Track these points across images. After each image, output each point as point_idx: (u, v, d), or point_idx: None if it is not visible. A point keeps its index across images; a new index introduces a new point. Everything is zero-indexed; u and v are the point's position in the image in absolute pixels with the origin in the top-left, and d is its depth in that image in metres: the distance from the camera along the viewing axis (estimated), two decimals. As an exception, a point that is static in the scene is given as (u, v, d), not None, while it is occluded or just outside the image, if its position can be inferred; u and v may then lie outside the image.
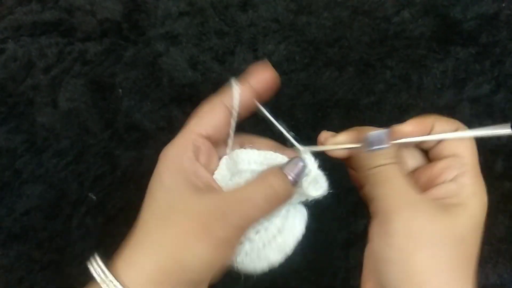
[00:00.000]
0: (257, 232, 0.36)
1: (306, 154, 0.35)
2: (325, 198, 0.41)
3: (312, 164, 0.35)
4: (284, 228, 0.37)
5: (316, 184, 0.35)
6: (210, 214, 0.31)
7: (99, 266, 0.31)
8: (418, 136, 0.33)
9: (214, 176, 0.36)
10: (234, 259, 0.35)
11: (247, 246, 0.35)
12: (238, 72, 0.50)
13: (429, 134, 0.33)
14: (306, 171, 0.35)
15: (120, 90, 0.50)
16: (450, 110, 0.48)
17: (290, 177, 0.33)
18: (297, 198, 0.37)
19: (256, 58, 0.50)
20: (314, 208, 0.41)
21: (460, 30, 0.48)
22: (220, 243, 0.30)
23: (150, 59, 0.50)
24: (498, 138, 0.47)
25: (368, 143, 0.33)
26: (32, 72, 0.50)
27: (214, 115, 0.35)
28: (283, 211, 0.38)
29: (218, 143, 0.36)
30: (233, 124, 0.35)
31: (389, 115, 0.48)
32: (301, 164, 0.34)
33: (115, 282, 0.30)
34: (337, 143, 0.35)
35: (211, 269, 0.31)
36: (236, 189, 0.34)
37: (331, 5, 0.49)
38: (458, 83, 0.48)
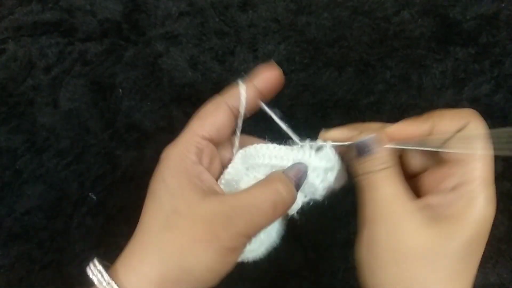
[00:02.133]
0: None
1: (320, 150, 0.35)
2: (325, 197, 0.41)
3: (336, 159, 0.35)
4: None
5: (338, 178, 0.36)
6: (216, 220, 0.30)
7: (100, 272, 0.30)
8: (414, 136, 0.31)
9: (227, 170, 0.35)
10: None
11: None
12: (238, 72, 0.51)
13: (430, 133, 0.31)
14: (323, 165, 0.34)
15: (121, 90, 0.50)
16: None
17: (293, 182, 0.33)
18: (320, 192, 0.36)
19: (256, 58, 0.50)
20: (314, 208, 0.41)
21: (459, 30, 0.48)
22: (226, 251, 0.30)
23: (150, 59, 0.50)
24: (498, 137, 0.47)
25: (357, 151, 0.32)
26: (33, 72, 0.51)
27: (217, 116, 0.34)
28: None
29: (219, 144, 0.35)
30: (240, 124, 0.34)
31: (389, 115, 0.48)
32: (303, 168, 0.34)
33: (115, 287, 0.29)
34: (330, 138, 0.35)
35: (216, 276, 0.30)
36: (241, 193, 0.32)
37: (331, 5, 0.49)
38: (457, 83, 0.48)
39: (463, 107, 0.48)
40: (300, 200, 0.36)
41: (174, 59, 0.50)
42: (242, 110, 0.34)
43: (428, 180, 0.32)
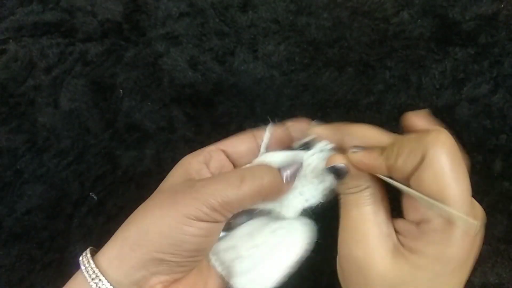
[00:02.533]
0: (254, 247, 0.35)
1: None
2: (328, 199, 0.40)
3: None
4: (283, 243, 0.35)
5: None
6: (181, 190, 0.31)
7: (86, 253, 0.32)
8: (377, 171, 0.30)
9: None
10: (233, 280, 0.34)
11: (244, 264, 0.34)
12: (238, 72, 0.51)
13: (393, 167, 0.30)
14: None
15: (121, 91, 0.50)
16: (448, 110, 0.48)
17: (285, 173, 0.33)
18: (327, 196, 0.36)
19: (256, 59, 0.50)
20: (315, 207, 0.41)
21: (459, 31, 0.48)
22: (186, 220, 0.29)
23: (151, 59, 0.50)
24: (497, 137, 0.47)
25: (331, 173, 0.33)
26: (33, 73, 0.51)
27: (239, 139, 0.37)
28: (284, 224, 0.37)
29: (237, 165, 0.37)
30: (261, 150, 0.37)
31: (388, 115, 0.48)
32: (295, 165, 0.34)
33: (88, 255, 0.31)
34: (315, 134, 0.35)
35: (172, 244, 0.29)
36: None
37: (330, 6, 0.49)
38: (456, 84, 0.48)
39: (462, 107, 0.48)
40: (300, 204, 0.36)
41: (174, 60, 0.50)
42: (265, 141, 0.36)
43: (405, 201, 0.32)
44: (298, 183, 0.35)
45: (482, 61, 0.48)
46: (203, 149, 0.37)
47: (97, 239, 0.50)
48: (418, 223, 0.30)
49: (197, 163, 0.35)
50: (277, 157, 0.36)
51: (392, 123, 0.47)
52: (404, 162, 0.29)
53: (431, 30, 0.48)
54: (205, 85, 0.50)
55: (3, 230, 0.49)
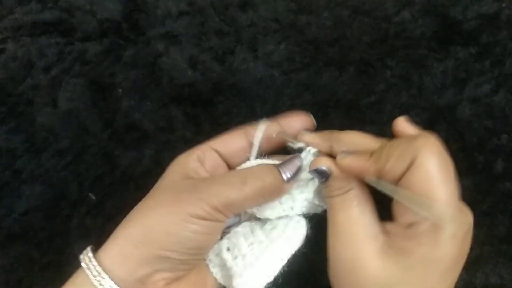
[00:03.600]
0: (250, 244, 0.35)
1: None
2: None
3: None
4: (279, 238, 0.36)
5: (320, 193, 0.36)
6: (184, 188, 0.32)
7: (87, 252, 0.32)
8: (365, 175, 0.31)
9: None
10: (230, 282, 0.35)
11: (240, 264, 0.34)
12: (238, 72, 0.51)
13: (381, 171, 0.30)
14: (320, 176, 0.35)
15: (120, 90, 0.50)
16: (450, 110, 0.48)
17: (284, 175, 0.33)
18: (309, 209, 0.36)
19: (256, 58, 0.50)
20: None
21: (460, 30, 0.48)
22: (190, 219, 0.30)
23: (150, 59, 0.50)
24: (498, 138, 0.47)
25: (316, 176, 0.33)
26: (32, 72, 0.50)
27: (230, 137, 0.37)
28: (280, 223, 0.37)
29: (231, 165, 0.38)
30: (253, 152, 0.37)
31: (390, 115, 0.48)
32: (297, 162, 0.34)
33: (89, 254, 0.31)
34: (304, 141, 0.36)
35: (175, 242, 0.30)
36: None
37: (331, 4, 0.49)
38: (458, 83, 0.48)
39: (464, 107, 0.48)
40: (277, 210, 0.36)
41: (173, 59, 0.50)
42: (257, 140, 0.36)
43: (395, 204, 0.32)
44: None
45: (483, 61, 0.48)
46: (196, 148, 0.37)
47: (96, 240, 0.50)
48: (407, 226, 0.30)
49: (193, 162, 0.36)
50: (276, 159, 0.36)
51: (391, 122, 0.47)
52: (393, 165, 0.29)
53: (433, 30, 0.48)
54: (204, 84, 0.50)
55: (1, 231, 0.49)
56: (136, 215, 0.32)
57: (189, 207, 0.30)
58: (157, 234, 0.30)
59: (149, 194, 0.34)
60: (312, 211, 0.37)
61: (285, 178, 0.33)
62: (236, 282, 0.34)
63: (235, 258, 0.35)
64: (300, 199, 0.36)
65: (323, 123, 0.49)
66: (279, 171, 0.33)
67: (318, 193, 0.36)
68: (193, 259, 0.32)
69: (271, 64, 0.49)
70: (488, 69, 0.48)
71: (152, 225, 0.30)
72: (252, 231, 0.37)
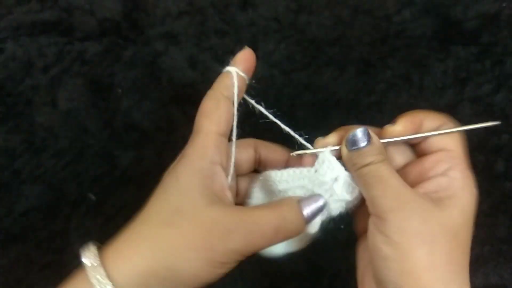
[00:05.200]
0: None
1: (330, 157, 0.34)
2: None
3: (339, 168, 0.33)
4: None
5: (349, 187, 0.34)
6: (216, 231, 0.30)
7: (92, 253, 0.30)
8: (409, 135, 0.33)
9: (250, 200, 0.36)
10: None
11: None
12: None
13: (418, 131, 0.33)
14: (335, 177, 0.33)
15: (120, 90, 0.50)
16: (450, 110, 0.48)
17: (305, 213, 0.32)
18: (334, 207, 0.35)
19: (256, 58, 0.49)
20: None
21: (461, 30, 0.48)
22: (218, 263, 0.30)
23: (150, 58, 0.50)
24: (499, 138, 0.47)
25: (351, 142, 0.32)
26: (31, 72, 0.50)
27: (221, 110, 0.34)
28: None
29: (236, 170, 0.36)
30: (235, 112, 0.35)
31: (390, 115, 0.47)
32: (321, 202, 0.33)
33: (101, 271, 0.29)
34: (328, 144, 0.35)
35: (200, 283, 0.30)
36: (247, 209, 0.33)
37: (331, 4, 0.49)
38: (459, 83, 0.48)
39: (464, 106, 0.48)
40: (318, 221, 0.35)
41: (173, 59, 0.50)
42: (236, 100, 0.35)
43: (414, 170, 0.33)
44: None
45: (484, 60, 0.48)
46: (206, 141, 0.34)
47: (96, 240, 0.50)
48: (444, 173, 0.32)
49: (209, 164, 0.32)
50: (285, 181, 0.35)
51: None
52: (431, 124, 0.33)
53: (433, 29, 0.48)
54: (204, 84, 0.50)
55: (1, 231, 0.49)
56: (159, 249, 0.30)
57: (222, 258, 0.30)
58: (184, 277, 0.29)
59: (164, 206, 0.31)
60: (345, 209, 0.35)
61: (306, 216, 0.32)
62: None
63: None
64: (332, 201, 0.34)
65: (323, 123, 0.49)
66: (304, 220, 0.32)
67: (347, 185, 0.34)
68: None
69: (271, 64, 0.49)
70: (488, 68, 0.48)
71: (177, 267, 0.29)
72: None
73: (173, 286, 0.30)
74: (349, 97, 0.48)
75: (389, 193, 0.30)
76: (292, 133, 0.36)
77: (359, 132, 0.32)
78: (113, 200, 0.49)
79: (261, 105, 0.37)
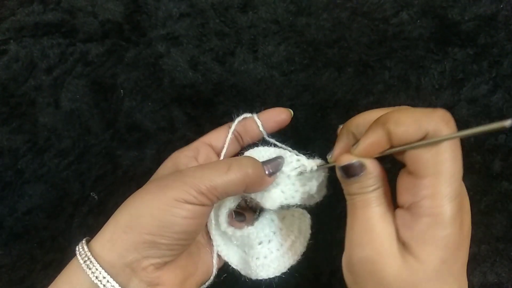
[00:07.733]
0: (269, 241, 0.39)
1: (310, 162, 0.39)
2: (324, 197, 0.41)
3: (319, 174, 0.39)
4: (299, 233, 0.41)
5: (321, 189, 0.39)
6: (171, 176, 0.33)
7: (81, 243, 0.33)
8: (381, 150, 0.31)
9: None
10: (251, 270, 0.39)
11: (261, 258, 0.39)
12: (238, 72, 0.51)
13: (386, 146, 0.31)
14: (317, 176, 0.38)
15: (122, 91, 0.51)
16: (448, 110, 0.48)
17: (267, 169, 0.36)
18: (305, 200, 0.39)
19: (256, 59, 0.50)
20: (314, 207, 0.41)
21: (458, 31, 0.48)
22: (174, 203, 0.31)
23: (151, 60, 0.51)
24: (496, 137, 0.47)
25: (343, 173, 0.32)
26: (34, 73, 0.51)
27: (218, 131, 0.41)
28: (288, 217, 0.42)
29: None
30: (229, 136, 0.41)
31: (388, 115, 0.48)
32: (280, 161, 0.37)
33: (83, 242, 0.33)
34: (336, 155, 0.36)
35: (160, 226, 0.31)
36: None
37: (330, 6, 0.49)
38: (456, 84, 0.48)
39: (461, 107, 0.48)
40: (279, 199, 0.38)
41: (174, 60, 0.50)
42: (232, 127, 0.41)
43: (399, 182, 0.32)
44: (281, 181, 0.38)
45: (481, 62, 0.48)
46: (190, 144, 0.40)
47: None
48: (409, 207, 0.29)
49: (185, 157, 0.38)
50: (264, 152, 0.39)
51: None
52: (406, 131, 0.29)
53: (431, 31, 0.48)
54: (205, 85, 0.50)
55: (4, 230, 0.50)
56: (125, 204, 0.34)
57: (173, 192, 0.31)
58: (143, 219, 0.31)
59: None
60: (308, 203, 0.40)
61: (267, 171, 0.36)
62: (251, 271, 0.38)
63: (250, 249, 0.39)
64: (303, 190, 0.38)
65: (322, 123, 0.49)
66: (262, 165, 0.35)
67: (319, 187, 0.39)
68: (181, 244, 0.33)
69: (271, 65, 0.50)
70: (485, 69, 0.48)
71: (138, 211, 0.32)
72: (266, 225, 0.40)
73: (135, 234, 0.31)
74: (347, 98, 0.49)
75: (361, 227, 0.31)
76: (304, 160, 0.39)
77: (349, 164, 0.32)
78: (116, 199, 0.50)
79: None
